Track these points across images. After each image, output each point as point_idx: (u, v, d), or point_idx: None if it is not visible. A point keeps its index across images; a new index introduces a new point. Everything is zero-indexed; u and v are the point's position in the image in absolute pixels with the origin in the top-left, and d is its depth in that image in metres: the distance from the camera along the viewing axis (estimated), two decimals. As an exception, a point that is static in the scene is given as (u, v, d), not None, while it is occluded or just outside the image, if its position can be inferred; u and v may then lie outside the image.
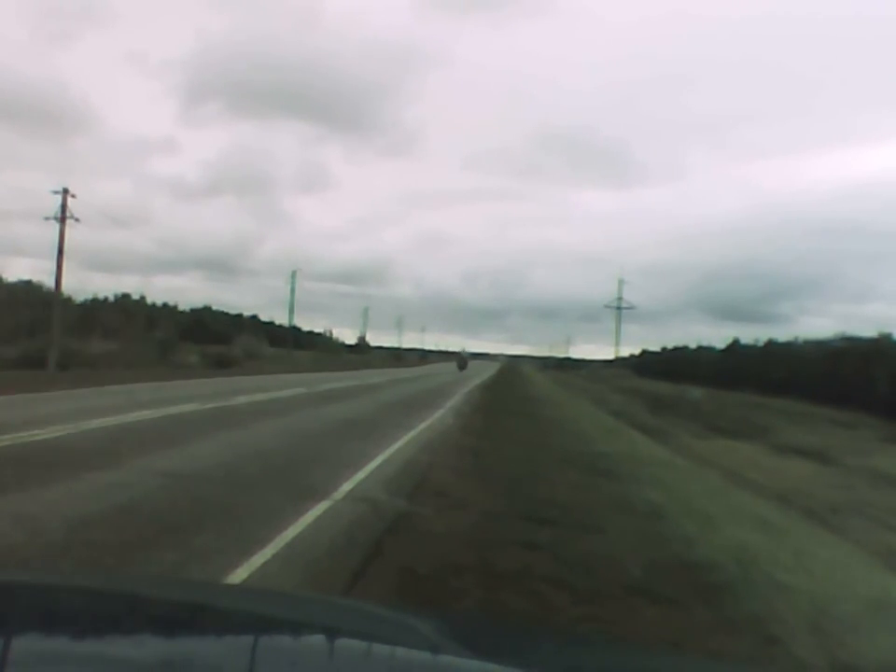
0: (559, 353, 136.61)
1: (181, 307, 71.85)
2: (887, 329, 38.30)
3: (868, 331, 44.09)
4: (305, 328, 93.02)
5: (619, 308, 72.93)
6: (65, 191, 31.18)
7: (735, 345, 59.29)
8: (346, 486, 7.55)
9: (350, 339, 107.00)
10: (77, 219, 31.27)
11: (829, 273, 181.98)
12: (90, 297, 51.16)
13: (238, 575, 4.48)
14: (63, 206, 30.98)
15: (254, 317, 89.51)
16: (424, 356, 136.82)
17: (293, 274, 62.36)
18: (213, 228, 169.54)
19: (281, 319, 76.79)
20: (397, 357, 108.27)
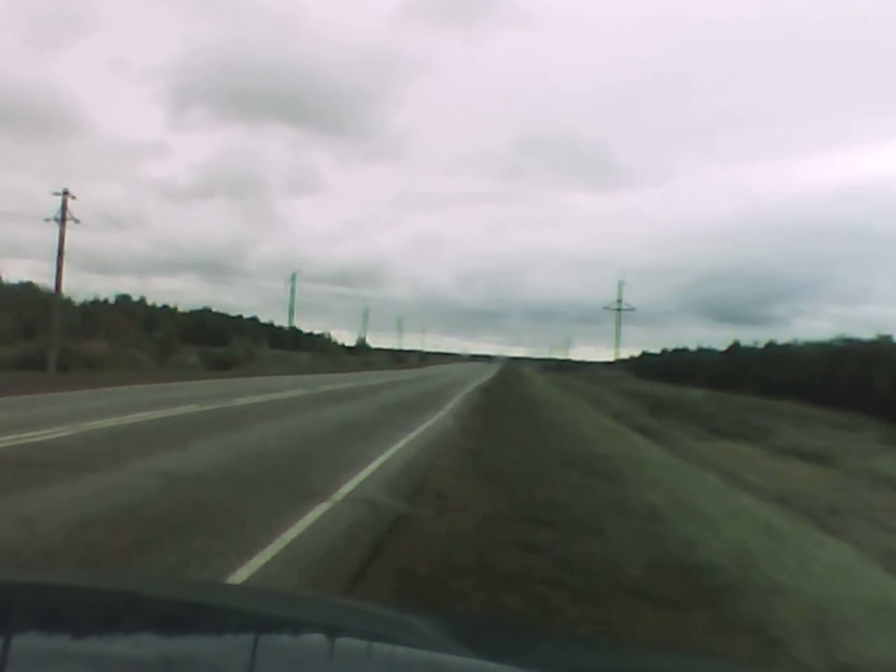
0: (559, 355, 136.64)
1: (180, 309, 71.96)
2: (885, 331, 38.35)
3: (864, 333, 44.14)
4: (304, 329, 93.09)
5: (619, 310, 72.88)
6: (65, 193, 31.24)
7: (735, 347, 59.27)
8: (346, 488, 7.55)
9: (349, 340, 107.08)
10: (77, 221, 31.34)
11: (824, 276, 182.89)
12: (89, 298, 51.17)
13: (238, 577, 4.47)
14: (64, 208, 31.02)
15: (253, 319, 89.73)
16: (423, 357, 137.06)
17: (293, 277, 62.40)
18: (209, 230, 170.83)
19: (280, 321, 76.92)
20: (398, 358, 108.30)
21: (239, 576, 4.49)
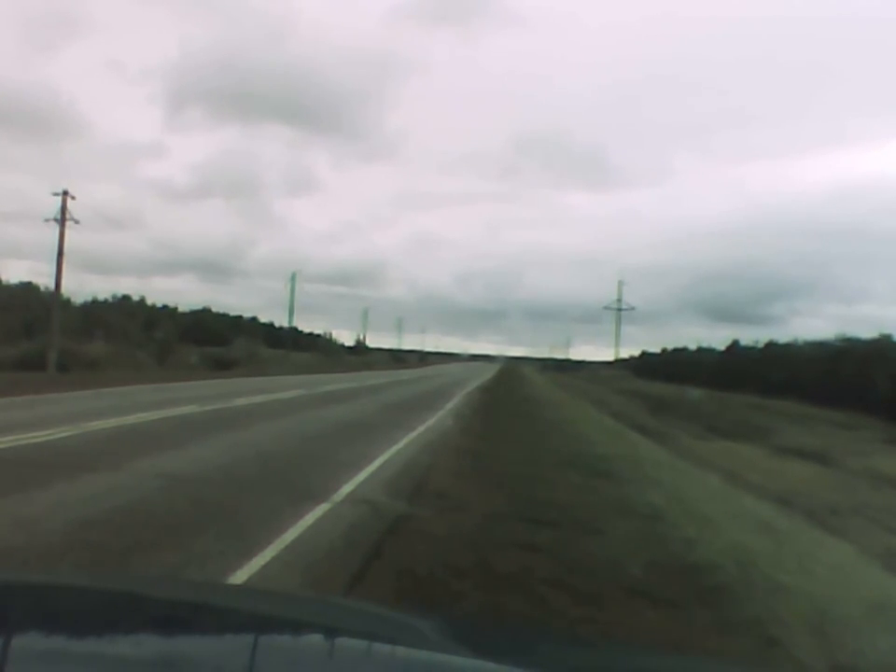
0: (559, 354, 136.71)
1: (180, 309, 71.82)
2: (885, 331, 38.42)
3: (861, 332, 44.22)
4: (304, 329, 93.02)
5: (619, 310, 72.88)
6: (65, 193, 31.21)
7: (734, 347, 59.32)
8: (346, 488, 7.55)
9: (348, 340, 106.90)
10: (76, 221, 31.33)
11: (821, 276, 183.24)
12: (89, 298, 51.15)
13: (238, 577, 4.47)
14: (63, 208, 31.00)
15: (253, 319, 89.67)
16: (423, 357, 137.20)
17: (292, 276, 62.38)
18: (208, 230, 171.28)
19: (280, 321, 76.94)
20: (398, 358, 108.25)
21: (239, 577, 4.49)
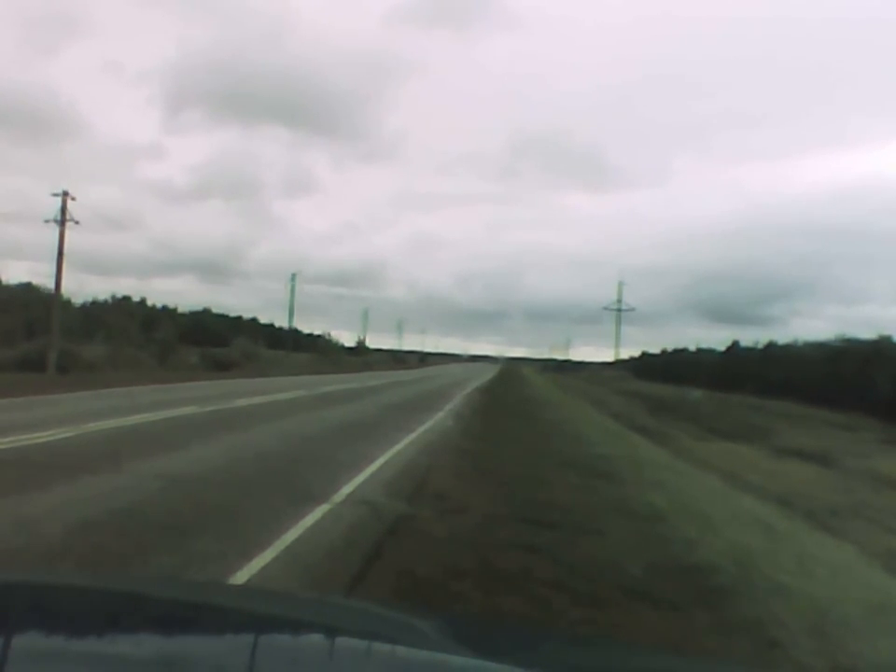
0: (559, 355, 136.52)
1: (180, 310, 71.72)
2: (885, 331, 38.41)
3: (861, 333, 44.22)
4: (304, 330, 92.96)
5: (619, 310, 72.87)
6: (65, 194, 31.21)
7: (734, 347, 59.29)
8: (346, 489, 7.55)
9: (348, 341, 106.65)
10: (76, 222, 31.33)
11: (821, 276, 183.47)
12: (89, 299, 51.09)
13: (238, 578, 4.47)
14: (63, 209, 31.00)
15: (253, 320, 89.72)
16: (423, 358, 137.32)
17: (292, 277, 62.36)
18: (207, 231, 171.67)
19: (280, 321, 76.96)
20: (398, 359, 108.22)
21: (239, 578, 4.49)
